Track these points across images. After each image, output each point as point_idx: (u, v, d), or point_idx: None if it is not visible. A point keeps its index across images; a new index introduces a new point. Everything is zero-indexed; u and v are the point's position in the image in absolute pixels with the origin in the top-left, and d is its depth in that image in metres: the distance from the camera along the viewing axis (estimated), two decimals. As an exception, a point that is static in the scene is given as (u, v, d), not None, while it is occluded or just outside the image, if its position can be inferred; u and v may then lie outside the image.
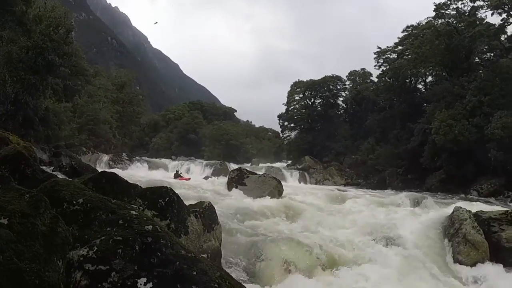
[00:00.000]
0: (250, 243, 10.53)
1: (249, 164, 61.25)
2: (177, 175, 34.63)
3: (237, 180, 22.64)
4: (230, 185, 22.27)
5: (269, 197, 20.97)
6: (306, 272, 9.75)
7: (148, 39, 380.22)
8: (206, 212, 8.64)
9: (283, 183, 25.02)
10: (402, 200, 22.10)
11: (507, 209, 15.62)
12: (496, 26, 39.71)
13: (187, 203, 8.34)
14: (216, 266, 4.77)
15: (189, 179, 32.58)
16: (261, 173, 26.30)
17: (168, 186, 7.38)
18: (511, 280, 10.34)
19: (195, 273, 3.72)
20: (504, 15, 38.70)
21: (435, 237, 12.91)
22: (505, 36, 41.27)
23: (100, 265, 3.64)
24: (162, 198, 6.90)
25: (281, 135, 79.24)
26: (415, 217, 15.60)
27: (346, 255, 11.01)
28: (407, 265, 10.81)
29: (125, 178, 7.96)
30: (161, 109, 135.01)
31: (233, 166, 39.80)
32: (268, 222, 13.74)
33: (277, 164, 63.44)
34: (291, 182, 40.70)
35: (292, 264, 9.86)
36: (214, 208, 9.21)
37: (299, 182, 44.71)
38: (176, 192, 7.40)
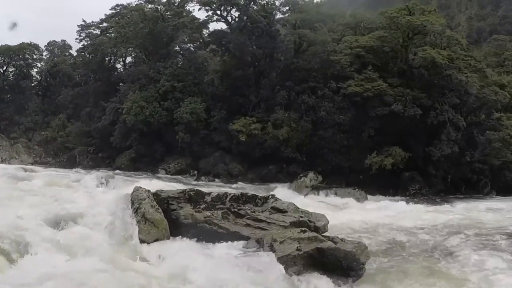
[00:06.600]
0: None
1: None
2: None
3: None
4: None
5: None
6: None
7: None
8: None
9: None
10: (88, 179, 21.58)
11: (185, 187, 16.70)
12: (201, 20, 43.53)
13: None
14: None
15: None
16: None
17: None
18: (188, 251, 11.02)
19: None
20: (210, 12, 41.75)
21: (120, 216, 12.76)
22: (207, 31, 45.43)
23: None
24: None
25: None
26: (102, 196, 15.36)
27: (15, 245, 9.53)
28: (84, 246, 10.31)
29: None
30: None
31: None
32: None
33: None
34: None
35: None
36: None
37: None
38: None
